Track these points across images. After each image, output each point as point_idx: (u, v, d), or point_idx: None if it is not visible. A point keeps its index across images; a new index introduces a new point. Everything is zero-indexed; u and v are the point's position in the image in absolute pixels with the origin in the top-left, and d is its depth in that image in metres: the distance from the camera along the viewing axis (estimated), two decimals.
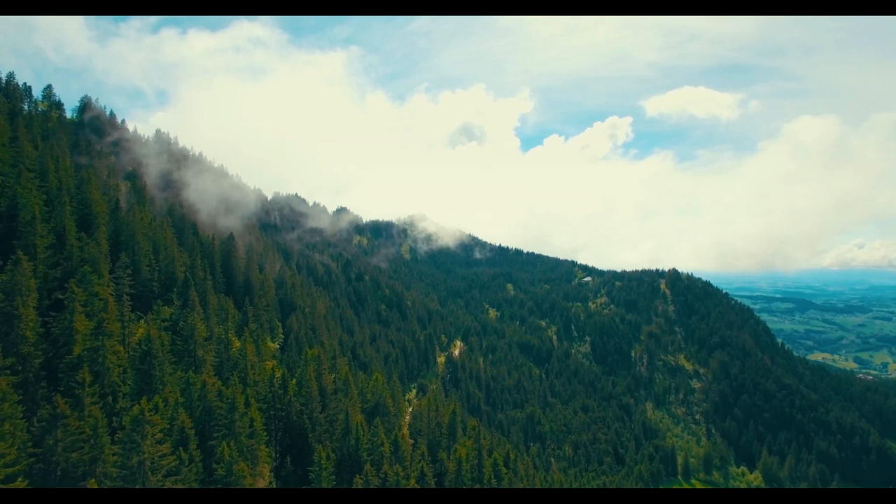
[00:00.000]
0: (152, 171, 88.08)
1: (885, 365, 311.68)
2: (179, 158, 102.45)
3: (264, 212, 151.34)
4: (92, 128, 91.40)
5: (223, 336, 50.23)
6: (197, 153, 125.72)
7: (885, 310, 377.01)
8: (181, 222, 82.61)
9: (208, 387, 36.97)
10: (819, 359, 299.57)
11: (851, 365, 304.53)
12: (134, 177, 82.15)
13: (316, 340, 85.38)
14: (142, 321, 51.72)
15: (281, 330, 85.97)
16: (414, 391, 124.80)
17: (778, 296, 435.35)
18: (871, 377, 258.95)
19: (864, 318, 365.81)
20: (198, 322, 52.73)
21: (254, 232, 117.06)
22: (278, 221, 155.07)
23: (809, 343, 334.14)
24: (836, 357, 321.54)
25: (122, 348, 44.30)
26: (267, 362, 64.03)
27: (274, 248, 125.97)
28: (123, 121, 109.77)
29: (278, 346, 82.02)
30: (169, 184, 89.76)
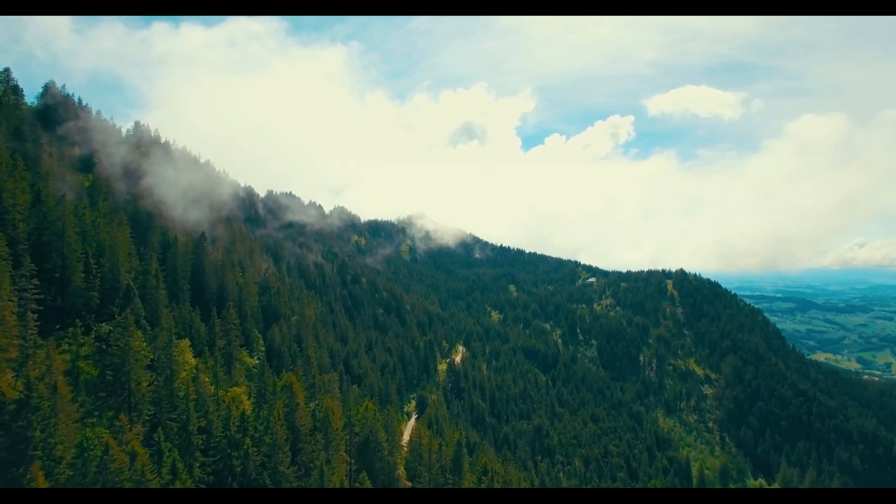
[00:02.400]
0: (118, 162, 75.78)
1: (888, 365, 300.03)
2: (152, 148, 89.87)
3: (254, 210, 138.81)
4: (48, 115, 79.01)
5: (165, 362, 37.94)
6: (180, 145, 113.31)
7: (886, 309, 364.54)
8: (147, 219, 70.21)
9: (113, 452, 24.66)
10: (821, 359, 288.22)
11: (854, 365, 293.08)
12: (92, 166, 69.78)
13: (301, 355, 73.03)
14: (65, 345, 39.41)
15: (262, 342, 73.50)
16: (413, 403, 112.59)
17: (779, 295, 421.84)
18: (876, 378, 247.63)
19: (866, 317, 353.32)
20: (138, 344, 40.48)
21: (239, 231, 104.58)
22: (269, 220, 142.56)
23: (811, 343, 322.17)
24: (839, 357, 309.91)
25: (18, 387, 32.00)
26: (235, 388, 51.67)
27: (262, 248, 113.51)
28: (99, 111, 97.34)
29: (258, 362, 69.69)
30: (137, 176, 77.36)
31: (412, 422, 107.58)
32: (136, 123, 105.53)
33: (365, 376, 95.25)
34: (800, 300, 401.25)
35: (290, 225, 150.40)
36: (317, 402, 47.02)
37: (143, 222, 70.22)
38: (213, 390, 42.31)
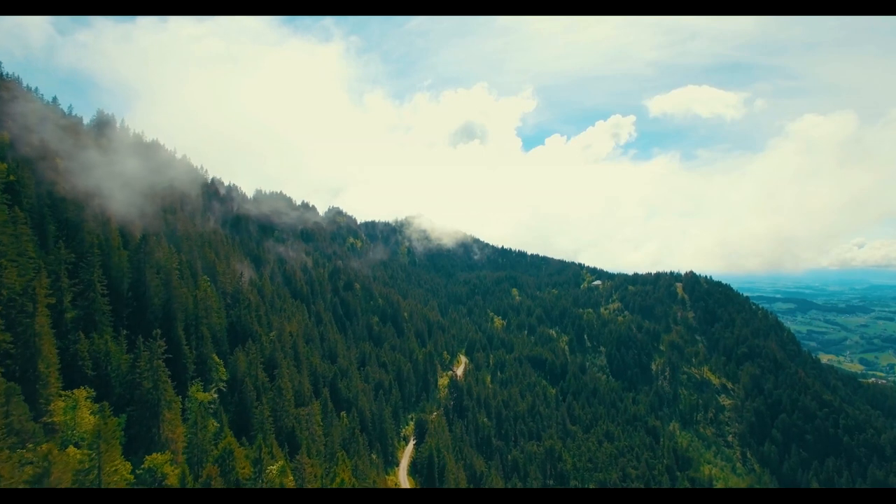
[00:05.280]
0: (52, 149, 59.75)
1: (891, 366, 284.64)
2: (105, 136, 73.67)
3: (236, 210, 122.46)
4: None
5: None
6: (151, 138, 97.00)
7: (886, 310, 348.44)
8: (77, 217, 53.93)
9: None
10: (824, 360, 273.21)
11: (858, 367, 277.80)
12: (8, 150, 53.58)
13: (272, 386, 56.78)
14: None
15: (224, 370, 57.26)
16: (412, 425, 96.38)
17: (779, 296, 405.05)
18: (883, 381, 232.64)
19: (867, 318, 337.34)
20: None
21: (214, 234, 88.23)
22: (253, 222, 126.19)
23: (813, 344, 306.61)
24: (841, 359, 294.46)
25: None
26: (156, 456, 35.31)
27: (243, 253, 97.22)
28: (55, 98, 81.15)
29: (216, 397, 53.51)
30: (76, 167, 61.28)
31: (410, 447, 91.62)
32: (99, 112, 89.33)
33: (355, 400, 78.97)
34: (800, 301, 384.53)
35: (277, 227, 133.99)
36: (265, 481, 30.79)
37: (74, 223, 54.01)
38: (94, 476, 26.03)
